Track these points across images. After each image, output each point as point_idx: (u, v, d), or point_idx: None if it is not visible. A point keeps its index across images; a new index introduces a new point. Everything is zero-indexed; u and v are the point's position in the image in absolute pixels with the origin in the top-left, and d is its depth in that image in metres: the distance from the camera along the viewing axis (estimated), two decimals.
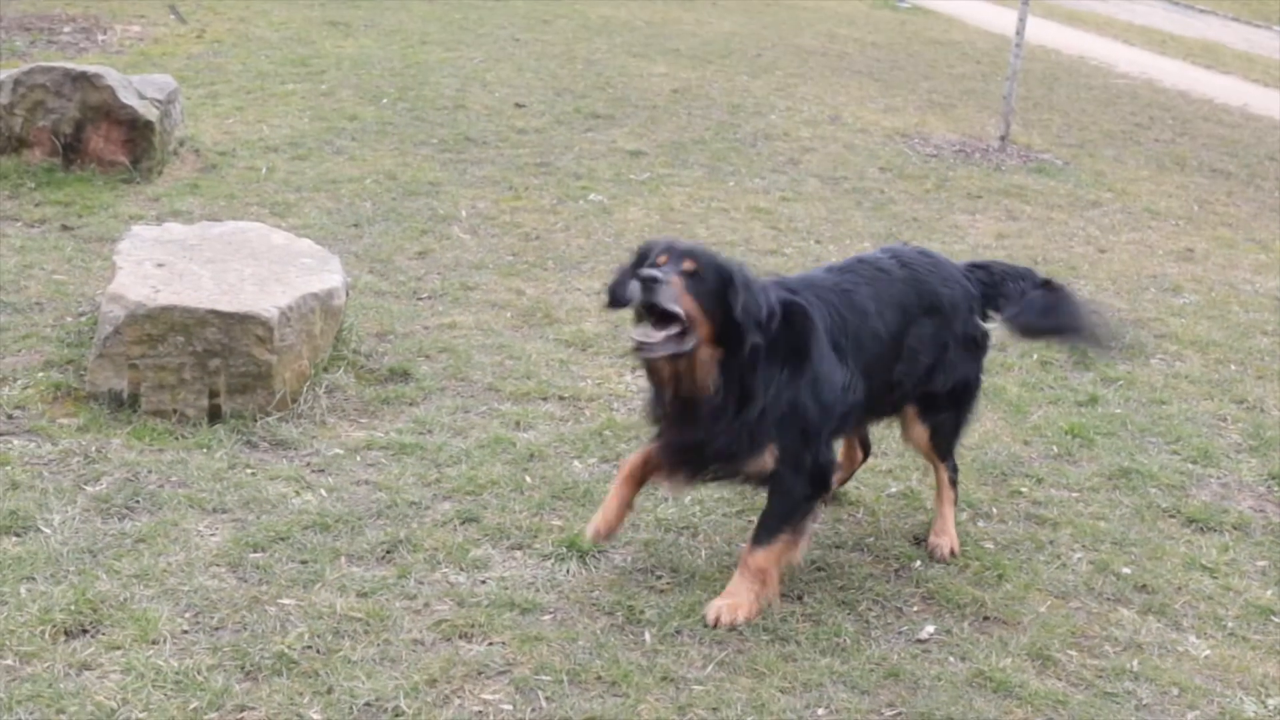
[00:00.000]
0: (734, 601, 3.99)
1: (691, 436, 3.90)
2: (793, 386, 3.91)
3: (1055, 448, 5.65)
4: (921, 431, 4.56)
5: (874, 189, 9.85)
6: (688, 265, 3.70)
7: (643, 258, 3.83)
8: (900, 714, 3.65)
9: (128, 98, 8.24)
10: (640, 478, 4.17)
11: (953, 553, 4.56)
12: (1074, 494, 5.22)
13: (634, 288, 3.62)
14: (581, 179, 9.26)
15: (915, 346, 4.38)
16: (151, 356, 5.19)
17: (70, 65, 8.28)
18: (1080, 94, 14.98)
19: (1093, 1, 23.91)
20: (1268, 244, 9.70)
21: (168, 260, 5.62)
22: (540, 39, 14.24)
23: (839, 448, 4.66)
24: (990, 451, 5.51)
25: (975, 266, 4.75)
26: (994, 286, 4.67)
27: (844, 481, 4.95)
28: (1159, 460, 5.57)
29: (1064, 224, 9.56)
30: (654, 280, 3.57)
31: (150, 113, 8.32)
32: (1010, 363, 6.62)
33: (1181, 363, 6.88)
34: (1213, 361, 6.95)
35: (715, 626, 3.94)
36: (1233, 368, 6.88)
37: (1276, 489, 5.44)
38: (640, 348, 3.71)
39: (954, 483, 4.69)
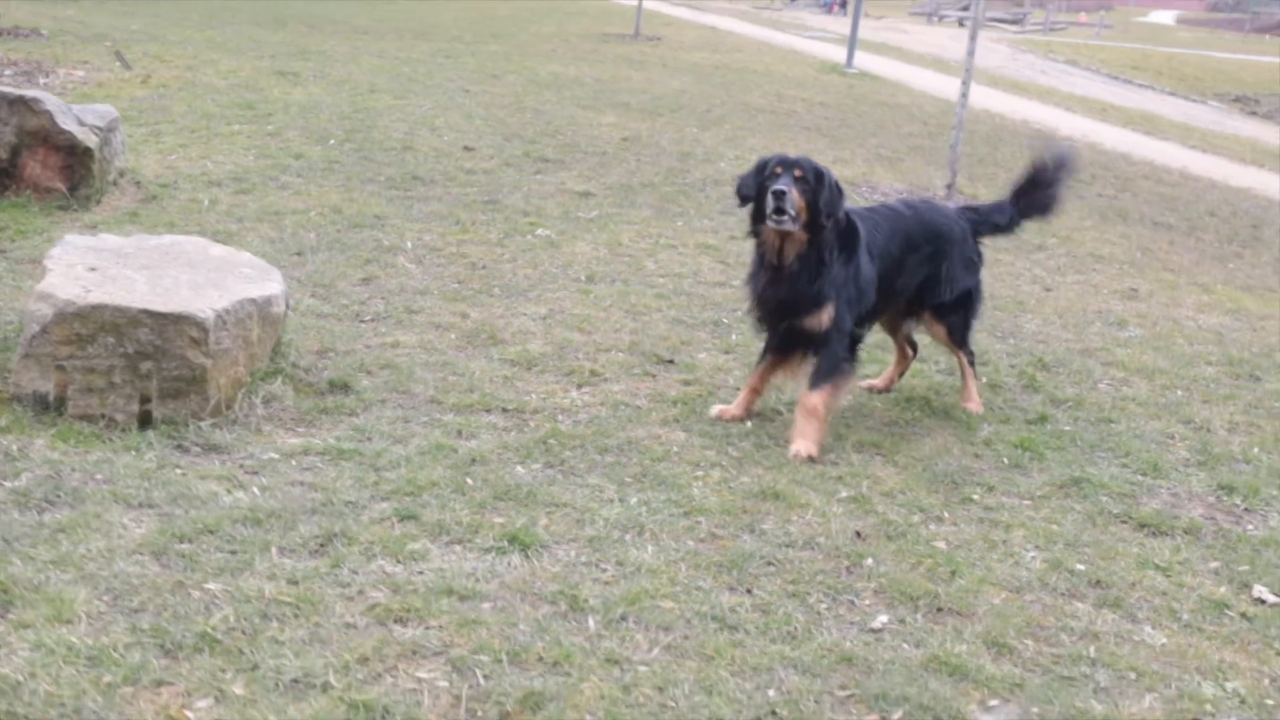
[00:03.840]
0: (804, 438, 5.32)
1: (777, 292, 5.52)
2: (845, 270, 5.51)
3: (1006, 459, 5.59)
4: (940, 329, 6.18)
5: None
6: (797, 173, 5.32)
7: (761, 168, 5.46)
8: (853, 695, 3.52)
9: (67, 123, 8.11)
10: (754, 392, 5.76)
11: (978, 411, 6.14)
12: (1025, 501, 5.15)
13: (768, 200, 5.29)
14: (529, 215, 9.21)
15: (914, 266, 5.93)
16: (80, 358, 5.01)
17: (8, 89, 8.15)
18: (1024, 153, 15.19)
19: (1034, 73, 24.47)
20: (1209, 287, 9.82)
21: (101, 265, 5.46)
22: (489, 91, 14.29)
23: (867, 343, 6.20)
24: (941, 463, 5.44)
25: (966, 209, 6.46)
26: (981, 220, 6.35)
27: (902, 374, 6.49)
28: (1109, 472, 5.53)
29: (1010, 265, 9.62)
30: (782, 193, 5.24)
31: (90, 139, 8.19)
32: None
33: (1128, 387, 6.88)
34: (1159, 387, 6.96)
35: (796, 459, 5.22)
36: (1179, 393, 6.89)
37: (1226, 499, 5.40)
38: (775, 222, 5.32)
39: (972, 364, 6.29)
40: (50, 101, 8.14)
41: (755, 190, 5.44)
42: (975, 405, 6.18)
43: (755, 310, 5.66)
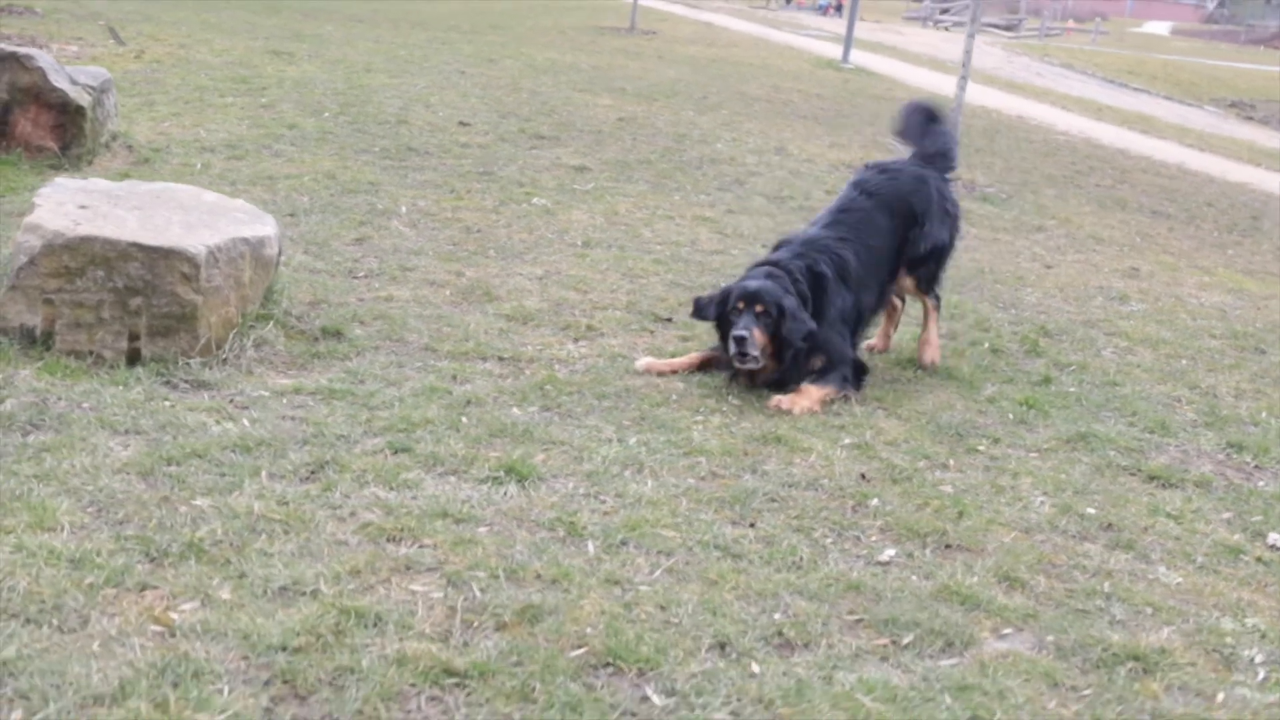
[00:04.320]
0: (794, 400, 5.23)
1: (760, 380, 5.45)
2: (823, 324, 5.49)
3: (1011, 416, 5.49)
4: (909, 281, 6.12)
5: (819, 207, 9.74)
6: (759, 309, 5.33)
7: (724, 299, 5.46)
8: (862, 620, 3.41)
9: (59, 81, 7.99)
10: (703, 364, 5.60)
11: (933, 363, 6.06)
12: (1032, 453, 5.05)
13: (730, 344, 5.29)
14: (525, 186, 9.11)
15: (889, 251, 5.97)
16: (68, 291, 4.89)
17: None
18: (1021, 145, 15.17)
19: (1030, 75, 24.47)
20: (1210, 270, 9.74)
21: (92, 204, 5.34)
22: (485, 74, 14.19)
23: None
24: (945, 417, 5.34)
25: (929, 157, 6.33)
26: (944, 155, 6.35)
27: (895, 328, 6.45)
28: (1116, 429, 5.44)
29: (1010, 244, 9.54)
30: (743, 339, 5.24)
31: (82, 98, 8.08)
32: (961, 349, 6.49)
33: (1133, 355, 6.80)
34: (1164, 356, 6.87)
35: (776, 409, 5.15)
36: (1184, 361, 6.80)
37: (1235, 456, 5.31)
38: (740, 362, 5.34)
39: (936, 308, 6.24)
40: (42, 59, 8.02)
41: (716, 318, 5.47)
42: (933, 352, 6.08)
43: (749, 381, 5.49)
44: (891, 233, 5.96)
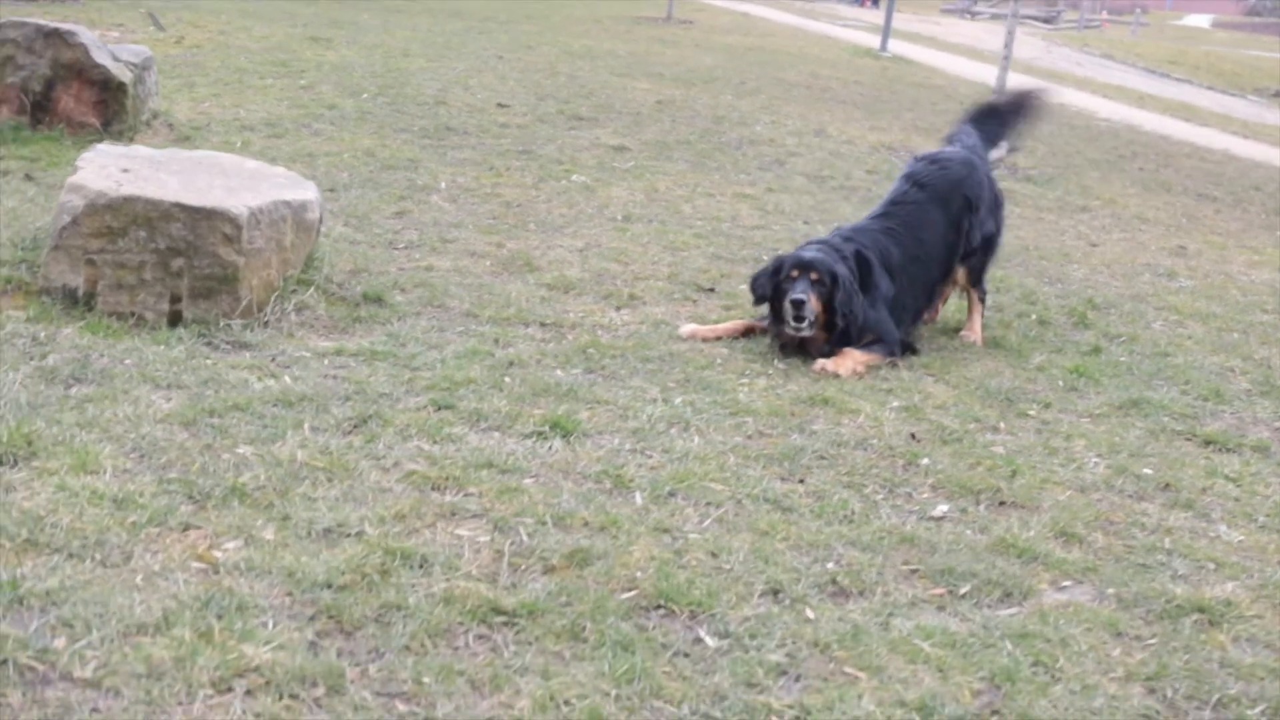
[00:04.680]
0: (838, 362, 5.18)
1: (811, 354, 5.37)
2: (870, 304, 5.47)
3: (1061, 383, 5.39)
4: (961, 272, 6.04)
5: (861, 186, 9.68)
6: (813, 276, 5.31)
7: (777, 269, 5.44)
8: (917, 570, 3.33)
9: (101, 58, 7.99)
10: (747, 331, 5.58)
11: (976, 342, 5.95)
12: (1084, 418, 4.95)
13: (786, 307, 5.27)
14: (564, 164, 9.05)
15: (941, 246, 5.88)
16: (111, 252, 4.87)
17: (42, 21, 8.04)
18: (1063, 130, 14.97)
19: (1070, 65, 24.20)
20: (1259, 249, 9.56)
21: (134, 168, 5.33)
22: (523, 59, 14.16)
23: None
24: (994, 383, 5.24)
25: (981, 118, 6.59)
26: (1000, 125, 6.58)
27: (944, 301, 6.37)
28: (1169, 396, 5.32)
29: (1054, 223, 9.40)
30: (800, 303, 5.23)
31: (124, 75, 8.07)
32: (1008, 321, 6.39)
33: (1183, 329, 6.67)
34: (1215, 329, 6.73)
35: (821, 372, 5.11)
36: (1235, 335, 6.67)
37: None
38: (794, 329, 5.31)
39: (982, 299, 6.17)
40: (85, 35, 8.03)
41: (771, 291, 5.41)
42: (975, 336, 6.00)
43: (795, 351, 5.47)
44: (945, 227, 5.87)
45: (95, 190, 4.87)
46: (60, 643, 2.45)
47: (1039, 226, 9.14)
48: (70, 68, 7.91)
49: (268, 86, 10.63)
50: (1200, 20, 48.37)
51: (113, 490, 3.12)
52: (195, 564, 2.83)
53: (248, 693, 2.39)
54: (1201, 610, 3.24)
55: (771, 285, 5.41)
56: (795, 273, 5.33)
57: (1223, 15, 50.59)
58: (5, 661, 2.36)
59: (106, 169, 5.22)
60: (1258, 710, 2.79)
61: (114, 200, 4.85)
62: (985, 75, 19.09)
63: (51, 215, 5.95)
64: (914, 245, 5.75)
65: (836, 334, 5.36)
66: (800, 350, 5.37)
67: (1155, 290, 7.48)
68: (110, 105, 8.04)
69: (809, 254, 5.42)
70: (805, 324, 5.25)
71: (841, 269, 5.37)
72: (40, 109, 7.92)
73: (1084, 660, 2.93)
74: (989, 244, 6.11)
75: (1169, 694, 2.83)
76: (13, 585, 2.60)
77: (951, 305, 6.42)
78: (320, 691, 2.43)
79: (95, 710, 2.28)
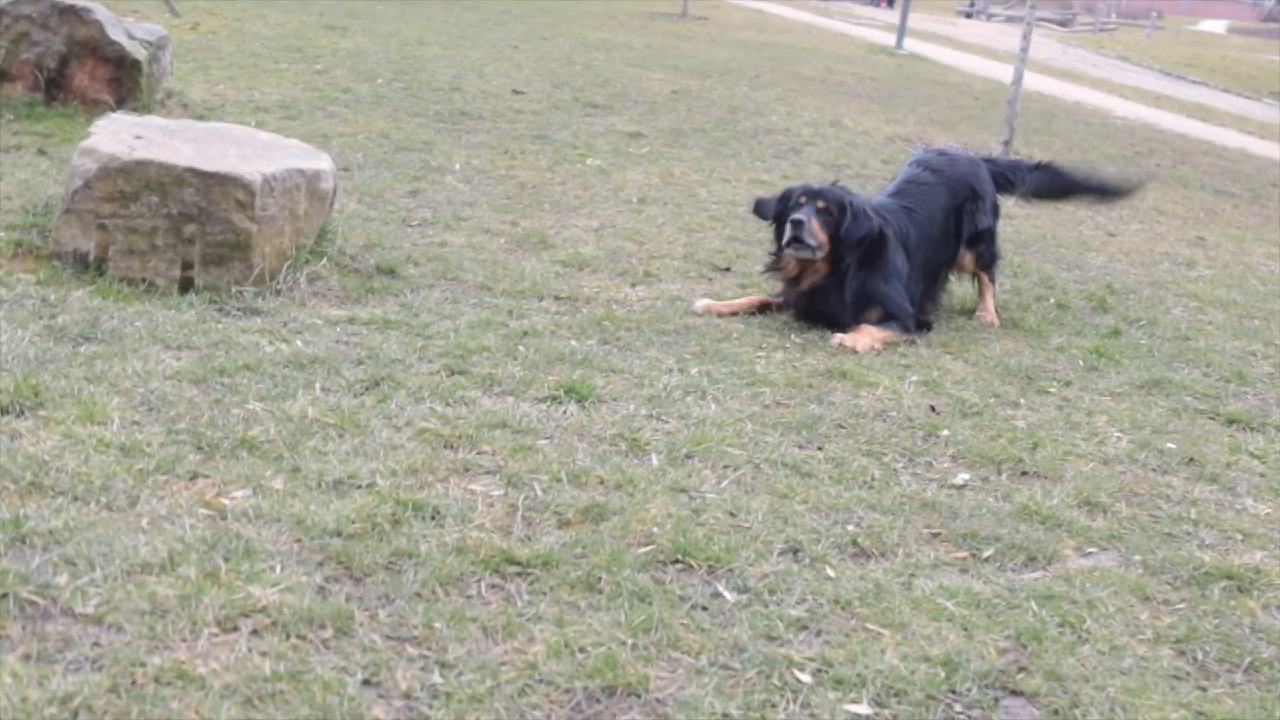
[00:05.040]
0: (855, 338, 5.09)
1: (813, 305, 5.37)
2: (884, 275, 5.42)
3: (1081, 363, 5.31)
4: (969, 257, 6.00)
5: (876, 176, 9.59)
6: (820, 204, 5.28)
7: (785, 197, 5.44)
8: (939, 534, 3.26)
9: (116, 35, 7.95)
10: (762, 307, 5.50)
11: (991, 323, 5.87)
12: (1105, 396, 4.87)
13: (786, 228, 5.24)
14: (579, 149, 8.99)
15: (948, 231, 5.89)
16: (122, 216, 4.82)
17: None
18: (1078, 127, 14.88)
19: (1085, 66, 24.10)
20: (1279, 243, 9.47)
21: (147, 135, 5.27)
22: (538, 49, 14.12)
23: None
24: (1013, 361, 5.17)
25: (985, 160, 6.38)
26: (998, 172, 6.28)
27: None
28: (1191, 377, 5.24)
29: (1071, 213, 9.30)
30: (800, 223, 5.19)
31: (139, 53, 8.03)
32: (1026, 304, 6.31)
33: (1203, 315, 6.58)
34: (1235, 316, 6.65)
35: (839, 347, 5.01)
36: (1256, 321, 6.58)
37: None
38: (794, 250, 5.27)
39: (993, 281, 6.12)
40: (100, 12, 7.99)
41: (776, 215, 5.41)
42: (991, 316, 5.95)
43: (796, 313, 5.43)
44: (951, 212, 5.89)
45: (108, 154, 4.82)
46: (62, 579, 2.39)
47: (1056, 216, 9.05)
48: (85, 45, 7.87)
49: (282, 71, 10.59)
50: (1216, 25, 48.18)
51: (120, 439, 3.06)
52: (202, 510, 2.77)
53: (253, 632, 2.33)
54: (1230, 577, 3.17)
55: (777, 211, 5.41)
56: (803, 199, 5.32)
57: (1238, 20, 50.39)
58: (5, 595, 2.30)
59: (120, 135, 5.17)
60: None
61: (127, 164, 4.80)
62: (999, 73, 19.01)
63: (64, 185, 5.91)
64: (927, 225, 5.76)
65: (843, 268, 5.25)
66: (798, 285, 5.31)
67: (1174, 278, 7.40)
68: (124, 83, 7.99)
69: (818, 185, 5.49)
70: (804, 247, 5.17)
71: (853, 200, 5.34)
72: (54, 86, 7.88)
73: (1111, 622, 2.85)
74: (988, 234, 6.08)
75: (1199, 656, 2.76)
76: (15, 524, 2.54)
77: (964, 288, 6.35)
78: (328, 633, 2.36)
79: (96, 644, 2.22)
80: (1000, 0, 37.72)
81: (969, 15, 37.28)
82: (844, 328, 5.26)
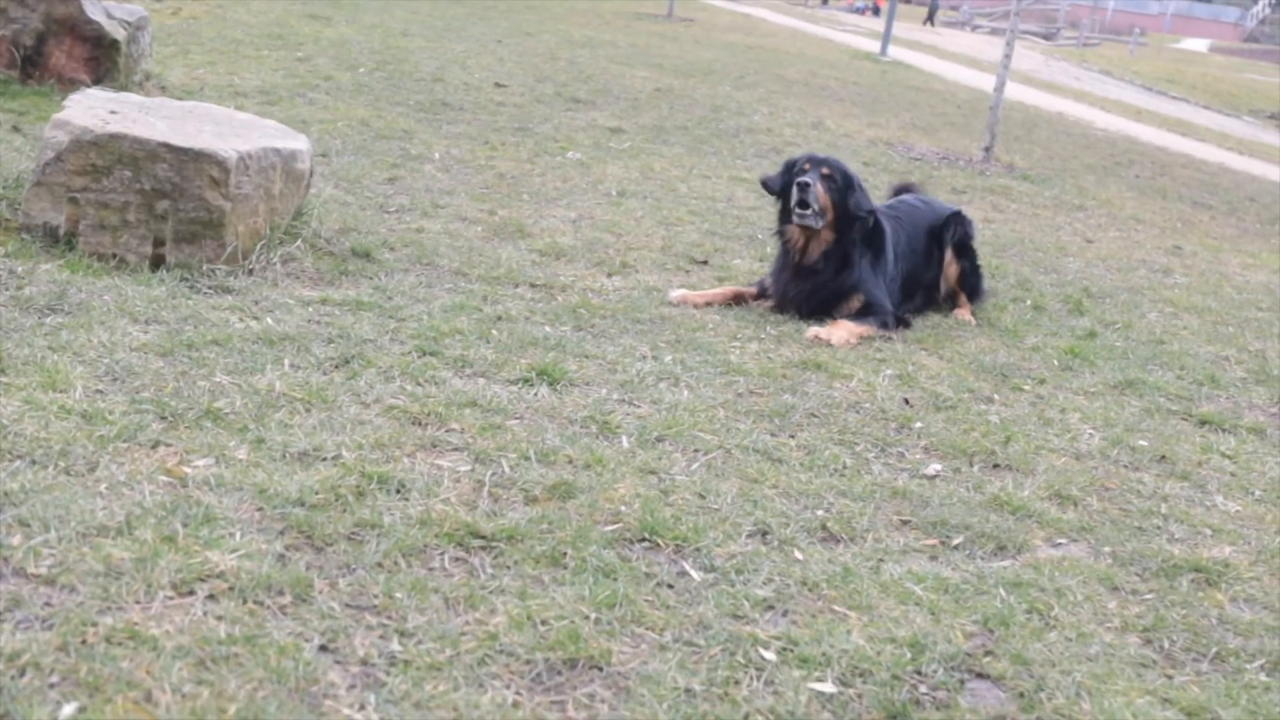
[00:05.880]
0: (831, 331, 5.07)
1: (803, 288, 5.38)
2: (873, 267, 5.49)
3: (1056, 362, 5.31)
4: (954, 268, 5.97)
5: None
6: (825, 171, 5.35)
7: (789, 167, 5.49)
8: (909, 521, 3.24)
9: (95, 14, 7.88)
10: (737, 298, 5.48)
11: (970, 322, 5.83)
12: (1079, 395, 4.87)
13: (794, 191, 5.27)
14: (559, 141, 8.97)
15: (939, 252, 5.99)
16: (94, 191, 4.76)
17: None
18: (1059, 137, 14.95)
19: (1068, 79, 24.21)
20: (1254, 254, 9.52)
21: (122, 110, 5.21)
22: (523, 44, 14.08)
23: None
24: (988, 359, 5.17)
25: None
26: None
27: None
28: (1164, 378, 5.25)
29: (1050, 219, 9.34)
30: (806, 185, 5.25)
31: (118, 33, 7.96)
32: (1003, 305, 6.31)
33: (1179, 320, 6.60)
34: (1210, 322, 6.67)
35: (814, 340, 4.98)
36: (1231, 328, 6.60)
37: None
38: (799, 217, 5.31)
39: (971, 302, 6.05)
40: None
41: (781, 186, 5.44)
42: (968, 315, 5.94)
43: (783, 307, 5.44)
44: (933, 238, 5.97)
45: (81, 126, 4.76)
46: (15, 539, 2.34)
47: (1035, 222, 9.07)
48: (63, 23, 7.79)
49: (263, 57, 10.53)
50: (1198, 44, 48.52)
51: (81, 406, 3.01)
52: (163, 477, 2.72)
53: (210, 596, 2.28)
54: (1199, 570, 3.16)
55: (782, 182, 5.44)
56: (808, 165, 5.38)
57: (1220, 40, 50.77)
58: None
59: (94, 109, 5.11)
60: (1256, 664, 2.71)
61: (100, 137, 4.74)
62: (984, 83, 19.08)
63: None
64: (913, 239, 5.89)
65: (846, 238, 5.32)
66: (800, 260, 5.32)
67: (1151, 284, 7.42)
68: (102, 62, 7.92)
69: (823, 154, 5.58)
70: (810, 212, 5.22)
71: (856, 175, 5.45)
72: (31, 64, 7.80)
73: (1079, 610, 2.84)
74: (975, 255, 6.12)
75: (1166, 645, 2.75)
76: None
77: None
78: (286, 600, 2.32)
79: (48, 604, 2.18)
80: (985, 12, 37.90)
81: (972, 28, 37.39)
82: (822, 319, 5.26)
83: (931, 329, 5.63)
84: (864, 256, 5.45)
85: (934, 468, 3.71)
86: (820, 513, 3.20)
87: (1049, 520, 3.38)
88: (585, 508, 2.92)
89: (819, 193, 5.25)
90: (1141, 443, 4.24)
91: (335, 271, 5.13)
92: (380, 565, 2.52)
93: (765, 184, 5.61)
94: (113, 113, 5.13)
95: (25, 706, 1.89)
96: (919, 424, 4.13)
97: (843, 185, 5.33)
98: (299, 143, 5.38)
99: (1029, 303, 6.42)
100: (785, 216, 5.42)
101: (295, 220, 5.45)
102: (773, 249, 6.60)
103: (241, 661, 2.10)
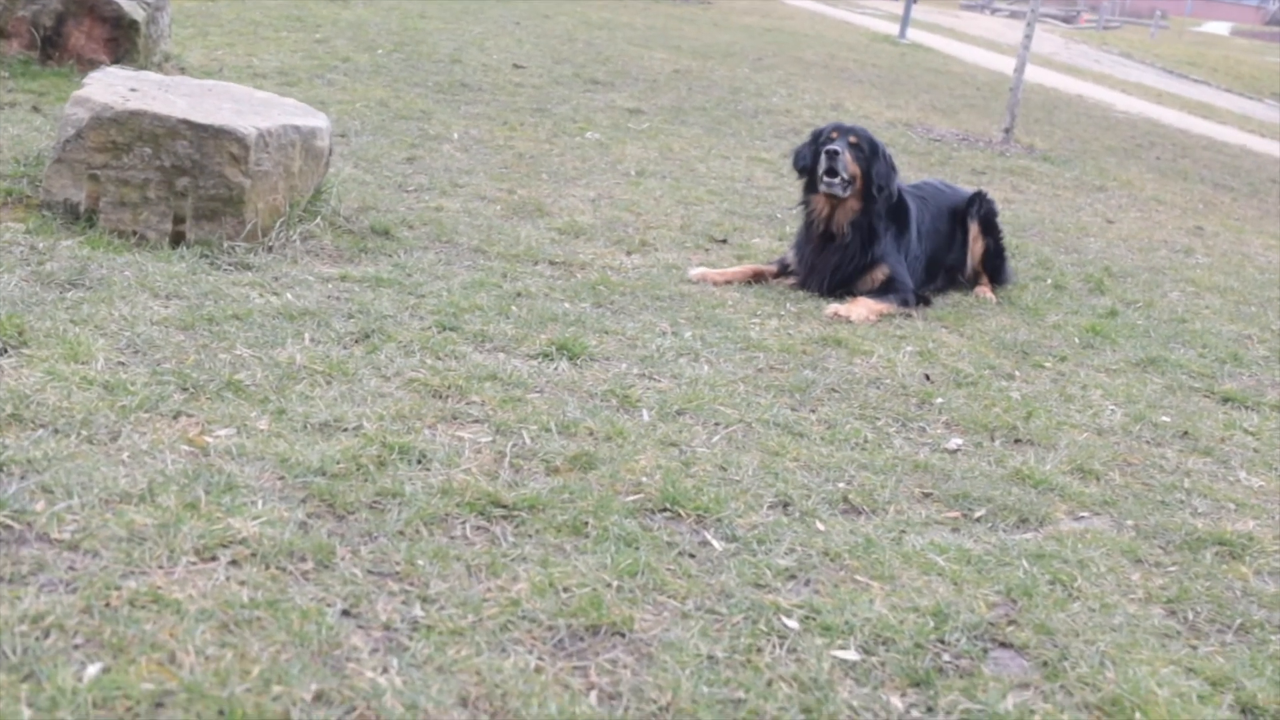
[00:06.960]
0: (850, 308, 5.06)
1: (828, 260, 5.38)
2: (896, 243, 5.51)
3: (1077, 340, 5.28)
4: (979, 245, 5.97)
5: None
6: (852, 140, 5.39)
7: (816, 137, 5.53)
8: (931, 494, 3.23)
9: None
10: (757, 276, 5.48)
11: (990, 300, 5.82)
12: (1100, 373, 4.84)
13: (822, 158, 5.31)
14: (578, 122, 8.95)
15: (962, 227, 6.00)
16: (114, 168, 4.77)
17: None
18: (1079, 119, 14.85)
19: (1088, 62, 24.04)
20: (1277, 235, 9.44)
21: (142, 88, 5.22)
22: (540, 26, 14.06)
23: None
24: (1008, 336, 5.14)
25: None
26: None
27: None
28: (1186, 356, 5.22)
29: (1070, 200, 9.29)
30: (835, 153, 5.28)
31: (137, 13, 7.97)
32: (1023, 284, 6.28)
33: (1200, 299, 6.55)
34: (1232, 302, 6.62)
35: (834, 317, 4.96)
36: (1253, 307, 6.56)
37: None
38: (826, 185, 5.32)
39: (993, 284, 6.01)
40: None
41: (811, 159, 5.45)
42: (989, 293, 5.94)
43: (806, 279, 5.42)
44: (955, 220, 5.99)
45: (101, 103, 4.77)
46: (39, 505, 2.35)
47: (1055, 202, 9.02)
48: (82, 3, 7.81)
49: (282, 39, 10.53)
50: (1219, 27, 48.11)
51: (103, 377, 3.02)
52: (185, 446, 2.73)
53: (232, 562, 2.29)
54: (1222, 543, 3.14)
55: (811, 154, 5.46)
56: (835, 134, 5.42)
57: (1242, 23, 50.33)
58: None
59: (114, 86, 5.12)
60: None
61: (120, 114, 4.74)
62: (1003, 66, 18.96)
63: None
64: (936, 219, 5.90)
65: (872, 208, 5.34)
66: (825, 230, 5.34)
67: (1172, 264, 7.37)
68: (121, 43, 7.93)
69: (850, 123, 5.60)
70: (838, 180, 5.26)
71: (883, 145, 5.47)
72: (50, 44, 7.82)
73: (1103, 581, 2.82)
74: (1000, 234, 6.13)
75: (1189, 616, 2.73)
76: None
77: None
78: (308, 566, 2.33)
79: (71, 568, 2.19)
80: None
81: (991, 10, 37.13)
82: (843, 295, 5.26)
83: (952, 307, 5.61)
84: (889, 230, 5.45)
85: (955, 442, 3.69)
86: (842, 485, 3.19)
87: (1071, 494, 3.36)
88: (606, 478, 2.92)
89: (847, 160, 5.27)
90: (1164, 419, 4.21)
91: (354, 249, 5.13)
92: (402, 533, 2.52)
93: (796, 155, 5.61)
94: (133, 90, 5.14)
95: (50, 667, 1.89)
96: (940, 399, 4.12)
97: (869, 154, 5.36)
98: (318, 120, 5.39)
99: (1050, 281, 6.39)
100: (811, 186, 5.44)
101: (315, 198, 5.46)
102: (792, 228, 6.60)
103: (264, 625, 2.10)
